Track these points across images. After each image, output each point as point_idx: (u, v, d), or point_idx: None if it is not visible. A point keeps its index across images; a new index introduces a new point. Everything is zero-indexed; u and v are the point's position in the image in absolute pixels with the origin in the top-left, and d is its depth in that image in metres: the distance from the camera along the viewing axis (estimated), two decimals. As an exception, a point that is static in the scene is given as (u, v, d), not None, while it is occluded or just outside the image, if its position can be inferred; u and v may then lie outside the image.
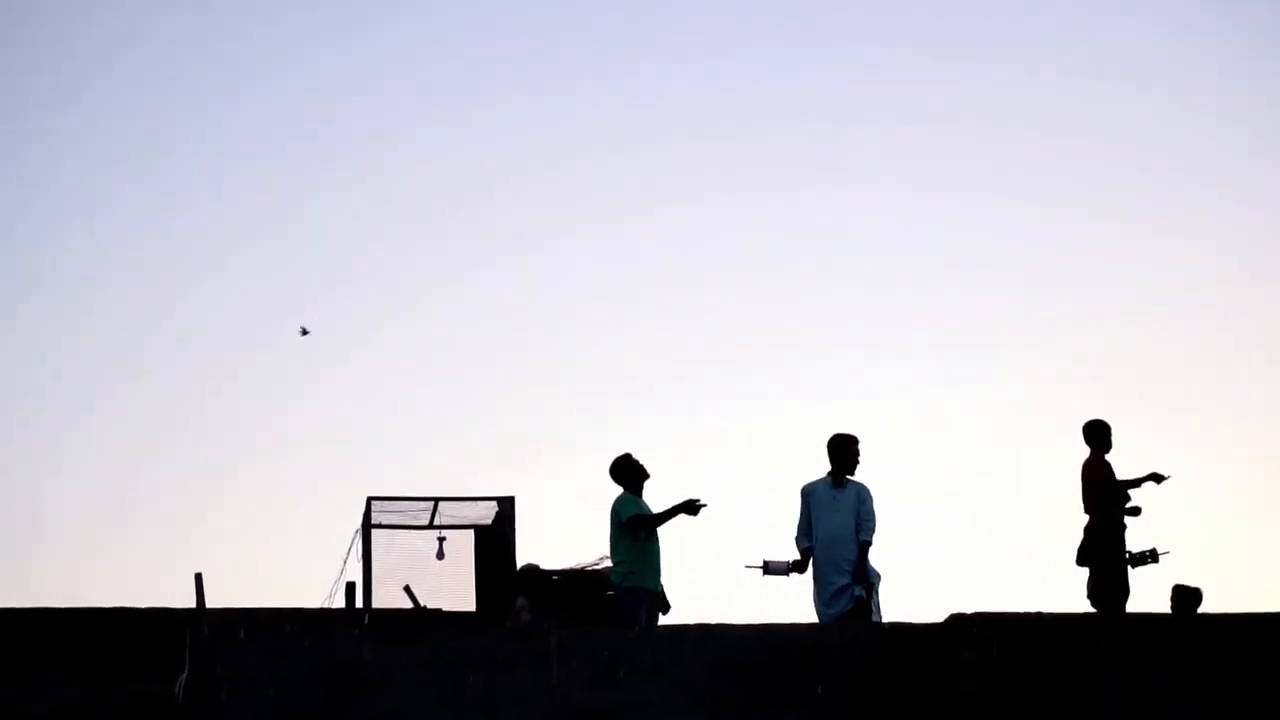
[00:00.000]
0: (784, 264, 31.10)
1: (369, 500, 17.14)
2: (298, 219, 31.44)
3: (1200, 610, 16.38)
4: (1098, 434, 15.83)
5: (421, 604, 16.49)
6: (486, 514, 17.36)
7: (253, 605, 15.31)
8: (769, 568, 14.72)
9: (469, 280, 31.30)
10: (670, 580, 14.89)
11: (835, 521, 14.59)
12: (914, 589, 16.59)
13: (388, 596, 16.76)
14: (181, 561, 26.98)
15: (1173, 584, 16.80)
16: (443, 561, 17.30)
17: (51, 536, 28.72)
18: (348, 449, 28.76)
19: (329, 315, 30.54)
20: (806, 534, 14.71)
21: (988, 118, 30.61)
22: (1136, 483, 15.70)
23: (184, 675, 12.51)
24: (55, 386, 30.55)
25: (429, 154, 32.07)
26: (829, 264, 31.23)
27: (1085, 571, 15.72)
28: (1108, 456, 15.81)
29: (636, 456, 14.90)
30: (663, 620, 14.61)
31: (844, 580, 14.46)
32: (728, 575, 15.41)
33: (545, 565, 16.44)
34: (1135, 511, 15.70)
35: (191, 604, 13.86)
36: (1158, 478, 15.73)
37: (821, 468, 14.84)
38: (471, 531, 17.45)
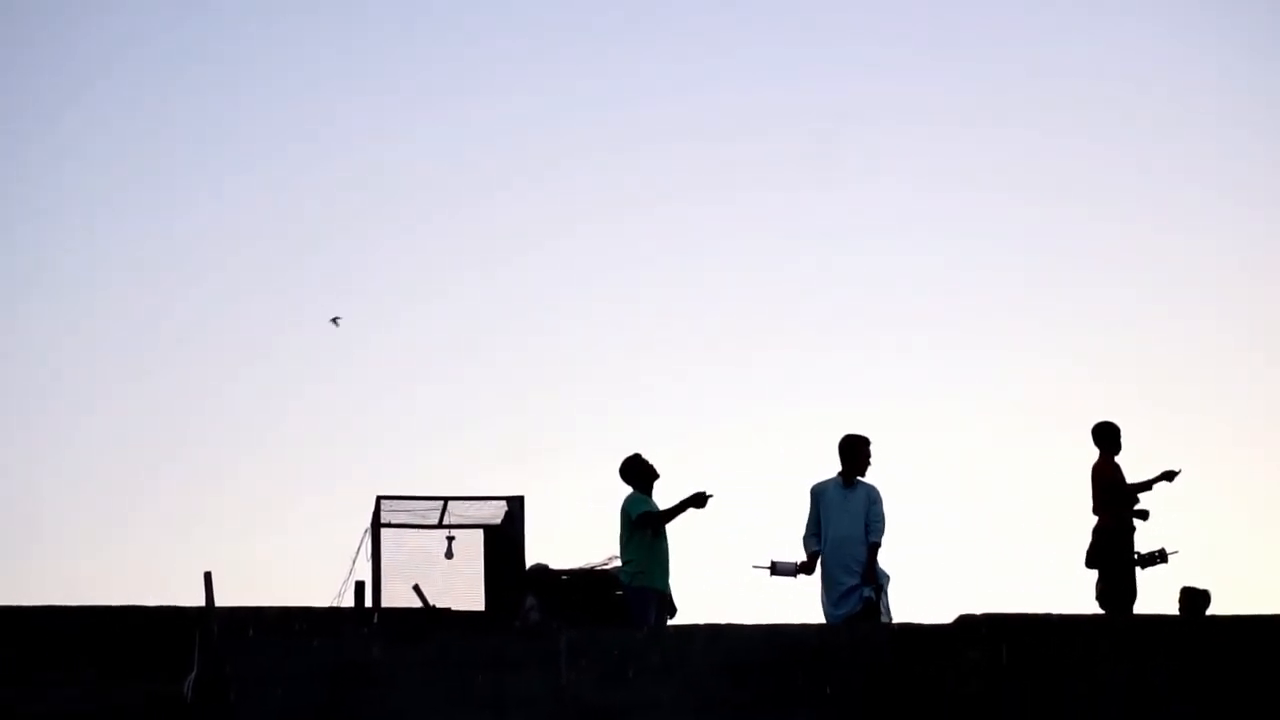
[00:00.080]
0: (790, 264, 31.13)
1: (378, 499, 17.14)
2: (305, 218, 31.47)
3: (1208, 612, 16.37)
4: (1107, 436, 15.81)
5: (431, 603, 16.49)
6: (496, 513, 17.36)
7: (262, 604, 15.31)
8: (776, 568, 14.72)
9: (478, 280, 31.34)
10: (679, 581, 14.92)
11: (845, 522, 14.59)
12: (922, 590, 16.58)
13: (397, 595, 16.76)
14: (191, 560, 27.05)
15: (1181, 586, 16.79)
16: (452, 561, 17.29)
17: (60, 536, 28.77)
18: (357, 448, 28.79)
19: (338, 314, 30.52)
20: (815, 534, 14.70)
21: (988, 118, 30.63)
22: (1148, 485, 15.69)
23: (193, 674, 12.53)
24: (61, 386, 30.60)
25: (433, 153, 32.11)
26: (833, 264, 31.26)
27: (1093, 573, 15.70)
28: (1117, 458, 15.80)
29: (646, 457, 14.92)
30: (682, 620, 14.63)
31: (853, 581, 14.45)
32: (736, 575, 15.42)
33: (554, 565, 16.44)
34: (1143, 515, 15.69)
35: (201, 603, 13.86)
36: (1169, 475, 15.72)
37: (829, 468, 14.85)
38: (481, 531, 17.45)
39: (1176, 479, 15.73)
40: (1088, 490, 15.82)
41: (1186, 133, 30.37)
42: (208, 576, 13.75)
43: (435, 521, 17.36)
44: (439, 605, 16.54)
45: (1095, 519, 15.75)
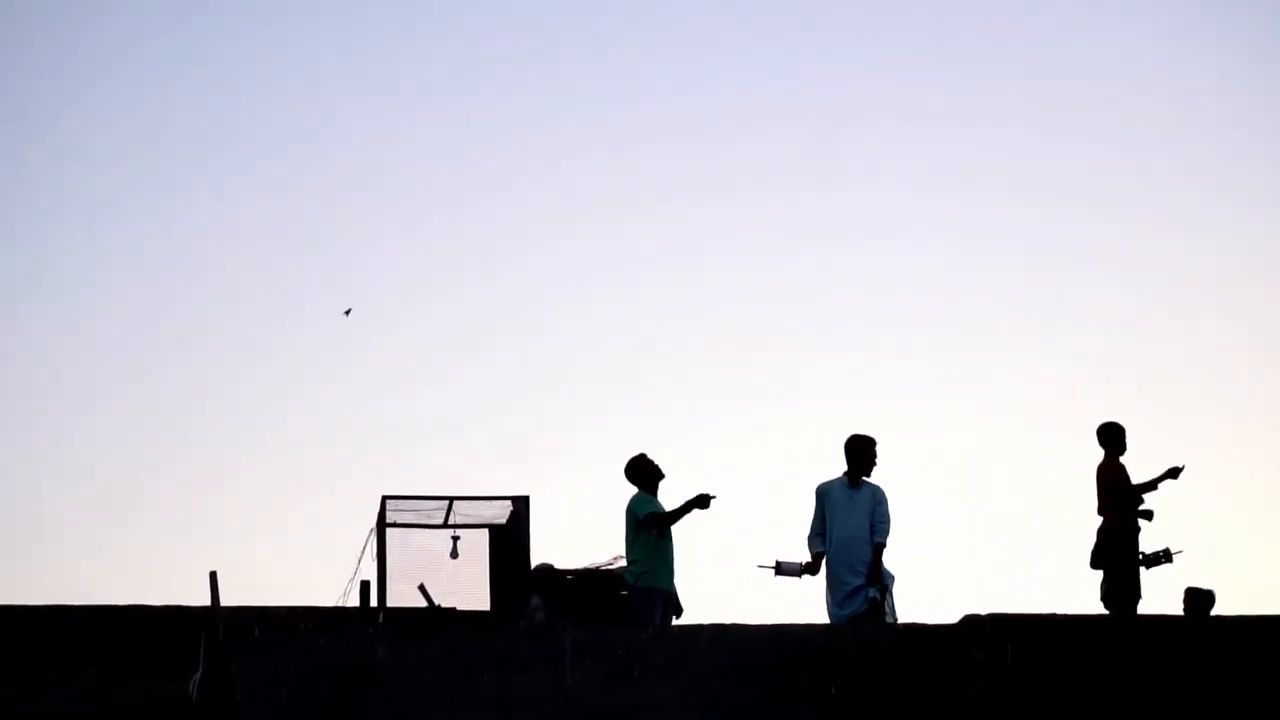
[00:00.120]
0: (793, 264, 31.09)
1: (384, 499, 17.14)
2: (307, 217, 31.44)
3: (1213, 613, 16.38)
4: (1113, 436, 15.83)
5: (436, 603, 16.50)
6: (501, 513, 17.36)
7: (267, 604, 15.32)
8: (781, 568, 14.73)
9: (482, 279, 31.31)
10: (683, 581, 14.93)
11: (850, 522, 14.59)
12: (927, 590, 16.58)
13: (402, 595, 16.77)
14: (196, 560, 27.03)
15: (1185, 587, 16.80)
16: (457, 560, 17.29)
17: (65, 536, 28.76)
18: (363, 448, 28.77)
19: (343, 314, 30.53)
20: (820, 534, 14.71)
21: (988, 118, 30.59)
22: (1154, 484, 15.70)
23: (198, 673, 12.54)
24: (64, 386, 30.58)
25: (434, 152, 32.08)
26: (835, 264, 31.22)
27: (1097, 573, 15.71)
28: (1122, 459, 15.81)
29: (651, 456, 14.94)
30: (687, 620, 14.64)
31: (858, 581, 14.46)
32: (741, 575, 15.42)
33: (560, 565, 16.45)
34: (1148, 515, 15.70)
35: (206, 602, 13.88)
36: (1174, 472, 15.73)
37: (833, 467, 14.86)
38: (486, 531, 17.45)
39: (1180, 475, 15.74)
40: (1092, 490, 15.83)
41: (1186, 133, 30.38)
42: (213, 576, 13.78)
43: (440, 521, 17.35)
44: (444, 605, 16.54)
45: (1100, 519, 15.76)
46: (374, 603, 16.56)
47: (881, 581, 14.48)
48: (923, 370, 29.94)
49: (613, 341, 31.21)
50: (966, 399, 29.59)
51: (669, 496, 14.86)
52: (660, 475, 14.89)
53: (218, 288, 31.26)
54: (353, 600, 16.55)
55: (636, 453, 14.95)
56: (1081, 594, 15.83)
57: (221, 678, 12.29)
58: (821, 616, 14.55)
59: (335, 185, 31.53)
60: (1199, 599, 16.73)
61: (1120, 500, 15.65)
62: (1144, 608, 15.41)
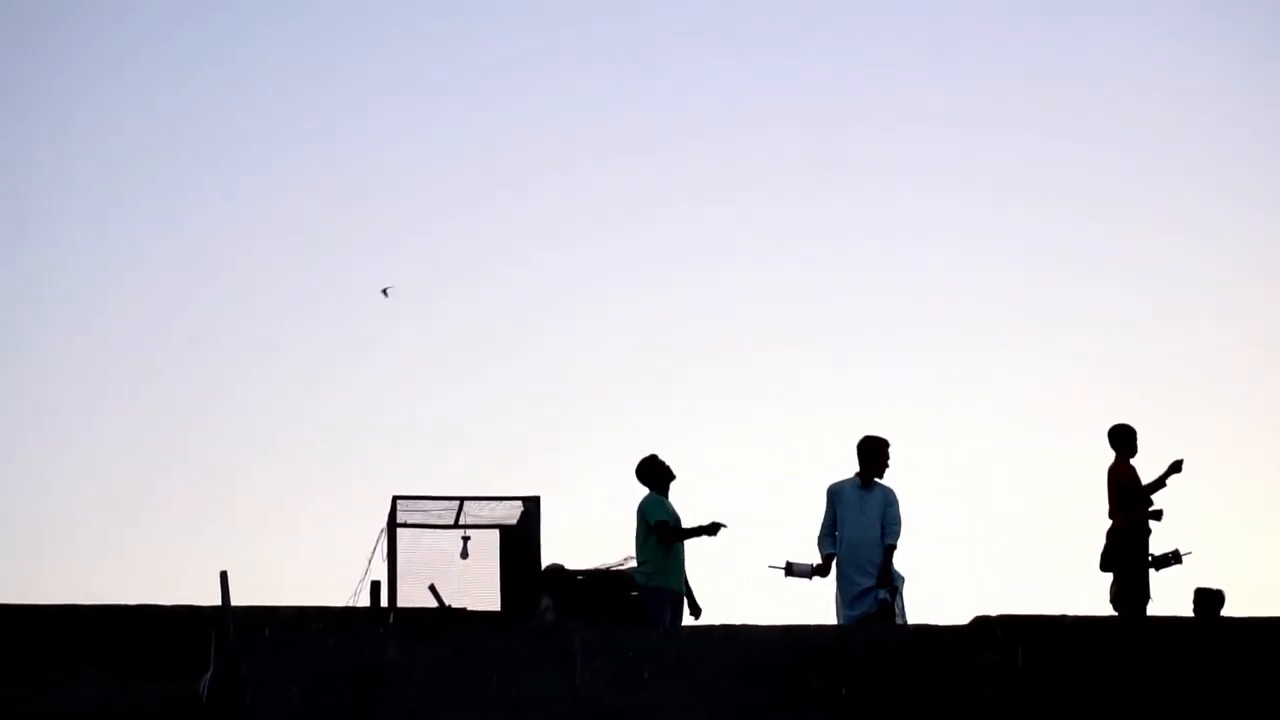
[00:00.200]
0: (802, 265, 31.13)
1: (394, 499, 17.15)
2: (318, 218, 31.47)
3: (1222, 613, 16.37)
4: (1124, 438, 15.82)
5: (446, 603, 16.51)
6: (512, 514, 17.37)
7: (278, 604, 15.33)
8: (792, 569, 14.73)
9: (495, 279, 31.33)
10: (694, 582, 14.93)
11: (861, 523, 14.59)
12: (938, 591, 16.58)
13: (412, 595, 16.77)
14: (206, 560, 27.09)
15: (1195, 586, 16.79)
16: (467, 561, 17.31)
17: (76, 536, 28.82)
18: (374, 448, 28.80)
19: (354, 314, 30.61)
20: (830, 535, 14.70)
21: (988, 118, 30.59)
22: (1161, 482, 15.69)
23: (209, 674, 12.55)
24: (75, 386, 30.63)
25: (446, 153, 32.13)
26: (841, 265, 31.25)
27: (1106, 574, 15.70)
28: (1133, 461, 15.80)
29: (662, 457, 14.95)
30: (693, 622, 14.65)
31: (868, 582, 14.46)
32: (751, 576, 15.43)
33: (570, 565, 16.45)
34: (1158, 516, 15.70)
35: (217, 602, 13.88)
36: (1176, 466, 15.72)
37: (843, 468, 14.87)
38: (497, 531, 17.45)
39: (1183, 467, 15.73)
40: (1102, 491, 15.82)
41: (1186, 133, 30.36)
42: (224, 576, 13.77)
43: (451, 521, 17.37)
44: (455, 605, 16.55)
45: (1110, 521, 15.75)
46: (385, 603, 16.57)
47: (892, 583, 14.48)
48: (934, 370, 29.98)
49: (624, 342, 31.24)
50: (976, 400, 29.61)
51: (681, 498, 14.90)
52: (671, 476, 14.90)
53: (228, 288, 31.32)
54: (363, 600, 16.56)
55: (647, 454, 14.96)
56: (1091, 595, 15.84)
57: (232, 678, 12.30)
58: (831, 617, 14.56)
59: (346, 186, 31.58)
60: (1208, 599, 16.72)
61: (1131, 501, 15.64)
62: (1153, 610, 15.40)
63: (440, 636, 12.87)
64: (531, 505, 17.26)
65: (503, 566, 17.38)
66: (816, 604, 14.94)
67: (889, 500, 14.66)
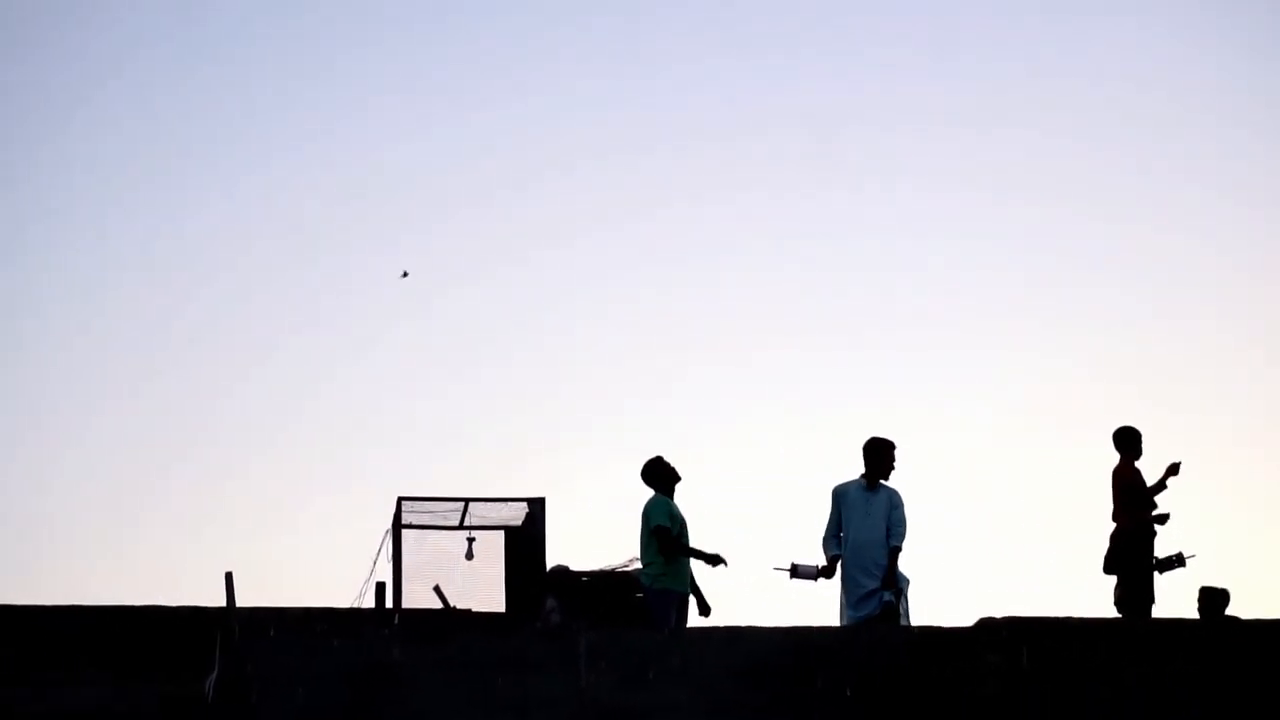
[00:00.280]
0: (805, 265, 31.11)
1: (399, 500, 17.16)
2: (320, 217, 31.44)
3: (1227, 612, 16.36)
4: (1129, 440, 15.82)
5: (451, 604, 16.52)
6: (517, 515, 17.38)
7: (283, 605, 15.34)
8: (797, 571, 14.73)
9: (497, 279, 31.32)
10: (699, 583, 14.93)
11: (867, 525, 14.59)
12: (942, 593, 16.58)
13: (417, 596, 16.79)
14: (211, 561, 27.07)
15: (1199, 586, 16.78)
16: (473, 562, 17.31)
17: (80, 536, 28.83)
18: (378, 449, 28.80)
19: (358, 314, 30.62)
20: (835, 537, 14.71)
21: (988, 118, 30.57)
22: (1162, 484, 15.69)
23: (214, 674, 12.56)
24: (77, 386, 30.62)
25: (447, 153, 32.10)
26: (845, 264, 31.24)
27: (1110, 576, 15.70)
28: (1138, 463, 15.81)
29: (668, 459, 14.95)
30: (702, 622, 14.65)
31: (873, 584, 14.46)
32: (756, 577, 15.43)
33: (575, 567, 16.46)
34: (1163, 519, 15.70)
35: (222, 603, 13.89)
36: (1174, 468, 15.73)
37: (847, 469, 14.87)
38: (502, 532, 17.46)
39: (1180, 469, 15.74)
40: (1106, 493, 15.82)
41: (1186, 133, 30.34)
42: (229, 577, 13.78)
43: (456, 523, 17.37)
44: (460, 606, 16.56)
45: (1114, 523, 15.75)
46: (389, 604, 16.57)
47: (897, 585, 14.48)
48: (935, 370, 29.96)
49: (629, 343, 31.23)
50: (977, 400, 29.59)
51: (689, 500, 14.90)
52: (677, 478, 14.90)
53: (230, 288, 31.30)
54: (368, 601, 16.57)
55: (653, 455, 14.97)
56: (1096, 597, 15.84)
57: (237, 678, 12.31)
58: (835, 619, 14.56)
59: (348, 186, 31.57)
60: (1213, 598, 16.70)
61: (1135, 503, 15.64)
62: (1157, 612, 15.40)
63: (445, 638, 12.88)
64: (536, 506, 17.27)
65: (508, 568, 17.39)
66: (820, 606, 14.97)
67: (894, 502, 14.66)
